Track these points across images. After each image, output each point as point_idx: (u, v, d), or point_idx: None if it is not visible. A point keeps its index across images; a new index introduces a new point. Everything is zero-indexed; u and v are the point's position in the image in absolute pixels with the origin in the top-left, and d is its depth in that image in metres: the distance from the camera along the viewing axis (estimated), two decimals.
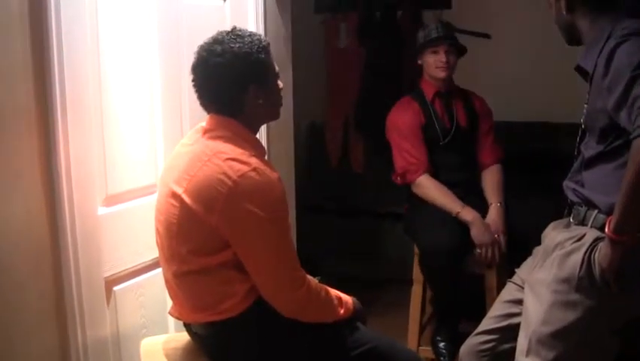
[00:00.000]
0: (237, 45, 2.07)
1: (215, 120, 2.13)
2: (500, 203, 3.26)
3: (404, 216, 3.49)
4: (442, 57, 3.30)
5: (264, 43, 2.13)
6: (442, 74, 3.32)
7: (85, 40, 2.17)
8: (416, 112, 3.35)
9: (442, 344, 3.28)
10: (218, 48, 2.07)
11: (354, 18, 4.79)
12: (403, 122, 3.35)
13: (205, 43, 2.12)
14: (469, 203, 3.19)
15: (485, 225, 3.13)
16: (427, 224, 3.17)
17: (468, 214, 3.14)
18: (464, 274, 3.16)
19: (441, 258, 3.04)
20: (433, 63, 3.33)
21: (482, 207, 3.24)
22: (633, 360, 2.47)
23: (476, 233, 3.10)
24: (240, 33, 2.12)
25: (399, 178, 3.35)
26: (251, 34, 2.13)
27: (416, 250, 3.29)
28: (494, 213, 3.22)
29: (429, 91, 3.39)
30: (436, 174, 3.30)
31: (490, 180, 3.36)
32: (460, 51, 3.37)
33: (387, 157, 3.38)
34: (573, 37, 2.25)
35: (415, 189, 3.30)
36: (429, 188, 3.26)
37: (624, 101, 1.92)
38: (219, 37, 2.11)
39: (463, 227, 3.13)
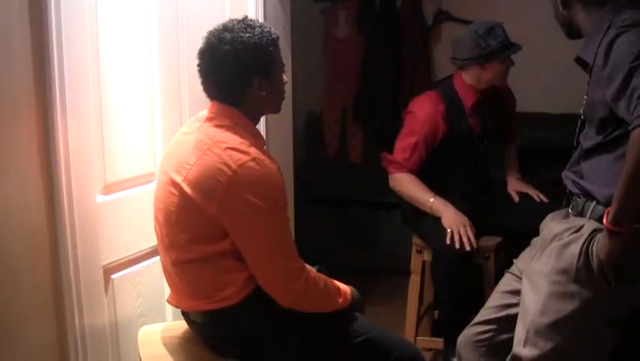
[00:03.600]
0: (247, 35, 2.06)
1: (217, 108, 2.13)
2: (517, 175, 3.42)
3: (402, 206, 3.46)
4: (510, 64, 3.18)
5: (273, 35, 2.12)
6: (504, 82, 3.26)
7: (84, 28, 2.16)
8: (440, 118, 3.19)
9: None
10: (228, 36, 2.06)
11: (353, 7, 4.78)
12: (421, 122, 3.20)
13: (215, 29, 2.12)
14: (482, 196, 3.23)
15: (456, 212, 3.07)
16: (436, 228, 3.12)
17: (439, 204, 3.11)
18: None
19: (453, 262, 3.01)
20: (501, 71, 3.17)
21: (495, 208, 3.30)
22: (632, 353, 2.47)
23: (446, 219, 3.05)
24: (250, 23, 2.11)
25: (385, 161, 3.29)
26: (261, 26, 2.12)
27: (415, 240, 3.30)
28: (514, 181, 3.42)
29: (468, 98, 3.24)
30: (452, 181, 3.26)
31: (507, 157, 3.51)
32: None
33: (386, 147, 3.36)
34: (572, 32, 2.25)
35: (391, 183, 3.26)
36: (403, 181, 3.21)
37: (623, 92, 1.92)
38: (230, 25, 2.10)
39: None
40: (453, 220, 3.04)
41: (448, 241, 2.99)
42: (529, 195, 3.30)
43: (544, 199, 3.24)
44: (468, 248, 2.95)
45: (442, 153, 3.23)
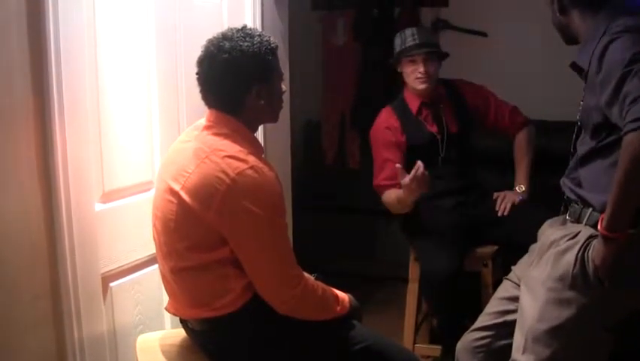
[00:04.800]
0: (246, 44, 2.07)
1: (215, 116, 2.13)
2: (519, 187, 3.26)
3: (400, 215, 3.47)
4: (420, 67, 3.18)
5: (272, 45, 2.13)
6: (421, 86, 3.21)
7: (82, 37, 2.17)
8: (394, 129, 3.26)
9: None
10: (227, 45, 2.07)
11: (351, 15, 4.79)
12: (379, 142, 3.29)
13: (214, 38, 2.13)
14: (473, 207, 3.18)
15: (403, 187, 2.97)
16: (427, 249, 3.14)
17: (398, 194, 3.06)
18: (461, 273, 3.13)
19: (441, 282, 3.00)
20: (412, 74, 3.21)
21: (487, 207, 3.24)
22: (629, 357, 2.47)
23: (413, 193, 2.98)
24: (249, 32, 2.12)
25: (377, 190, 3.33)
26: (260, 35, 2.13)
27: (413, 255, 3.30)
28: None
29: (413, 103, 3.30)
30: (433, 185, 3.21)
31: (516, 155, 3.35)
32: (442, 56, 3.26)
33: None
34: (569, 37, 2.26)
35: (385, 205, 3.26)
36: (386, 196, 3.21)
37: (616, 98, 1.93)
38: (229, 33, 2.11)
39: (461, 246, 3.10)
40: (406, 192, 2.97)
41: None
42: (520, 207, 3.21)
43: (505, 213, 3.18)
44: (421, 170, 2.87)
45: (408, 163, 3.20)
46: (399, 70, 3.30)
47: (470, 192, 3.31)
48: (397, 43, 3.25)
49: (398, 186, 3.14)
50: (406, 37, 3.20)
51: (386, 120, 3.30)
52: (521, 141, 3.38)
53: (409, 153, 3.24)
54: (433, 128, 3.28)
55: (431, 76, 3.20)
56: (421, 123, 3.28)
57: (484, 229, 3.19)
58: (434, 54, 3.21)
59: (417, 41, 3.18)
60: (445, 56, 3.28)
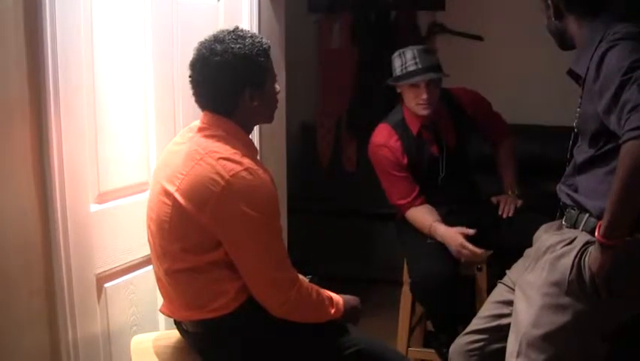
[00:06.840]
0: (238, 46, 2.07)
1: (209, 118, 2.13)
2: (512, 191, 3.24)
3: (397, 219, 3.47)
4: (422, 93, 3.01)
5: (264, 46, 2.13)
6: (424, 112, 3.06)
7: (79, 36, 2.17)
8: (395, 149, 3.16)
9: (446, 350, 3.23)
10: (219, 47, 2.07)
11: (348, 18, 4.80)
12: (382, 161, 3.20)
13: (206, 40, 2.12)
14: (474, 218, 3.14)
15: (447, 230, 3.03)
16: (417, 249, 3.13)
17: (437, 229, 3.06)
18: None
19: (433, 289, 2.97)
20: (413, 99, 3.05)
21: (489, 215, 3.22)
22: None
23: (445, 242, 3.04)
24: (241, 34, 2.12)
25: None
26: (252, 36, 2.13)
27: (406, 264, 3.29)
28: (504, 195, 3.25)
29: (413, 125, 3.17)
30: (432, 200, 3.22)
31: (502, 162, 3.34)
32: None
33: None
34: (565, 43, 2.26)
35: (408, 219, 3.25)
36: (410, 218, 3.19)
37: (614, 106, 1.92)
38: (220, 35, 2.11)
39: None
40: (449, 241, 3.02)
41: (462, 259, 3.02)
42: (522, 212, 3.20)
43: (509, 214, 3.15)
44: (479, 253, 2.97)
45: None
46: (398, 91, 3.17)
47: (468, 201, 3.31)
48: (397, 65, 3.09)
49: (413, 203, 3.16)
50: (407, 60, 3.04)
51: (386, 140, 3.19)
52: (507, 149, 3.38)
53: (411, 171, 3.21)
54: (434, 149, 3.21)
55: (433, 101, 3.06)
56: (422, 144, 3.20)
57: (478, 233, 3.19)
58: (437, 78, 3.09)
59: (419, 66, 3.02)
60: (446, 76, 3.16)
